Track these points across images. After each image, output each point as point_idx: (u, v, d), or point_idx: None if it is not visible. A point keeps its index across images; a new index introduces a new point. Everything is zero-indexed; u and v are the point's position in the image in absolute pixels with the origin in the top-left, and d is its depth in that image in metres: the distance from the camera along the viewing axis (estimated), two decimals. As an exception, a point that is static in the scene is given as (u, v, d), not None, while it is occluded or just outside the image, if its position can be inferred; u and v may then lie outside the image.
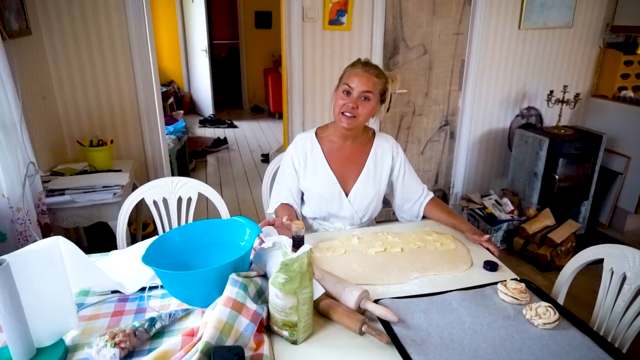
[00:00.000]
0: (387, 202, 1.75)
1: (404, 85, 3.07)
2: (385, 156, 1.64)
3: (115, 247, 1.54)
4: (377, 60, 2.90)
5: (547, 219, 2.86)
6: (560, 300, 1.32)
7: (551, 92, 3.11)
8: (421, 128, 3.27)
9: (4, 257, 0.86)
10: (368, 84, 1.47)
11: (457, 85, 3.21)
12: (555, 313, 1.05)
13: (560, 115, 3.06)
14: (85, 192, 2.07)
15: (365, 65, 1.51)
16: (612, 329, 1.23)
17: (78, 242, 2.55)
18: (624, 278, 1.23)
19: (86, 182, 2.15)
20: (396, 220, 1.77)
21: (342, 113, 1.50)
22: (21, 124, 1.75)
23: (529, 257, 2.86)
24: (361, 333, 1.00)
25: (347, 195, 1.62)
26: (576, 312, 1.10)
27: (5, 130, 1.70)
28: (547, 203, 2.99)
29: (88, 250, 1.18)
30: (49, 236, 1.29)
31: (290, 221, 1.31)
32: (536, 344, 0.98)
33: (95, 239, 2.67)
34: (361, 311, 1.07)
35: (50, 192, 2.04)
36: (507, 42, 3.15)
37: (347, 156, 1.62)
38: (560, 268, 1.36)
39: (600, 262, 1.28)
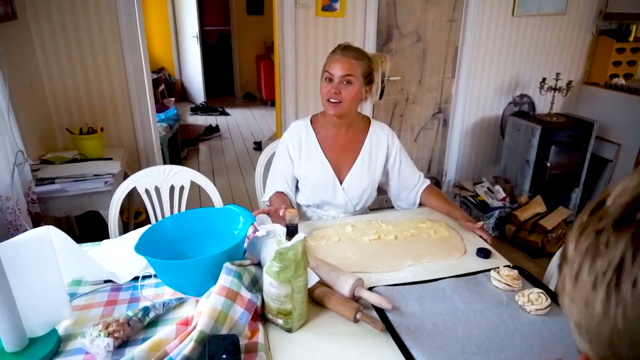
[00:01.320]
0: (380, 190, 1.75)
1: (397, 72, 3.06)
2: (381, 145, 1.63)
3: (107, 237, 1.53)
4: (370, 47, 2.87)
5: (538, 206, 2.89)
6: (552, 287, 1.33)
7: (544, 79, 3.11)
8: (414, 116, 3.26)
9: (-6, 247, 0.85)
10: (347, 67, 1.47)
11: (450, 72, 3.20)
12: (547, 299, 1.06)
13: (552, 103, 3.07)
14: (75, 181, 2.04)
15: (344, 49, 1.50)
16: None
17: (69, 232, 2.52)
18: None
19: (77, 170, 2.12)
20: (390, 208, 1.77)
21: (328, 100, 1.50)
22: (8, 111, 1.72)
23: (521, 244, 2.89)
24: (355, 320, 1.01)
25: (341, 183, 1.61)
26: (567, 298, 1.11)
27: (-8, 117, 1.67)
28: (539, 190, 3.01)
29: (79, 239, 1.17)
30: (39, 225, 1.28)
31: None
32: (528, 329, 1.00)
33: (87, 228, 2.65)
34: (355, 299, 1.08)
35: (40, 181, 2.01)
36: (501, 29, 3.13)
37: (342, 144, 1.62)
38: (552, 254, 1.37)
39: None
